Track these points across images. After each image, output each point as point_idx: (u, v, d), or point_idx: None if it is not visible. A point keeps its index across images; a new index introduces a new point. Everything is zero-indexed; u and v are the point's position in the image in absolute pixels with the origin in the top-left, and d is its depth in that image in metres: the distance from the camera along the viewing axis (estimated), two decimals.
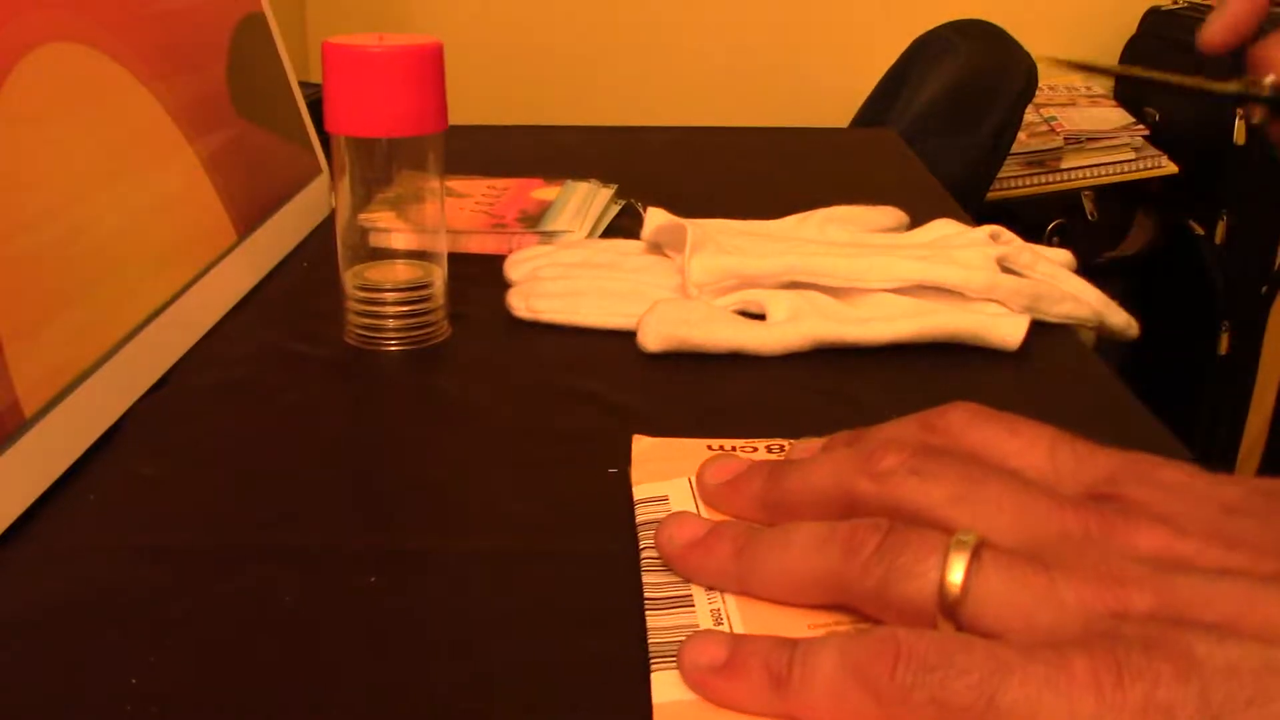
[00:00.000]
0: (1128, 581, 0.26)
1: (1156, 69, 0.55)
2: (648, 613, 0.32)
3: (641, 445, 0.41)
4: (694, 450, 0.40)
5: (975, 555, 0.27)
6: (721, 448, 0.40)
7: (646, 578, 0.33)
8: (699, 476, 0.37)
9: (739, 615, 0.31)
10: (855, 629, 0.28)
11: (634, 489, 0.39)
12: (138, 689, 0.30)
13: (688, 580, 0.32)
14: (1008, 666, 0.24)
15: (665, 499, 0.37)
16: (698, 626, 0.31)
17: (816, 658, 0.27)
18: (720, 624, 0.31)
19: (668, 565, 0.33)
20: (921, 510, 0.30)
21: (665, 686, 0.28)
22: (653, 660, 0.29)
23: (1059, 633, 0.25)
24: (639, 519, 0.37)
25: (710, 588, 0.32)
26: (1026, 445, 0.31)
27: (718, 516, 0.35)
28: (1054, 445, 0.31)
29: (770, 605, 0.31)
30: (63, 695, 0.30)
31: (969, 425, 0.32)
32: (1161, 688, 0.23)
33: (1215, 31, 0.45)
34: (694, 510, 0.36)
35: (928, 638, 0.26)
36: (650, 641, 0.30)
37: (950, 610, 0.27)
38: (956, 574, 0.27)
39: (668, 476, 0.38)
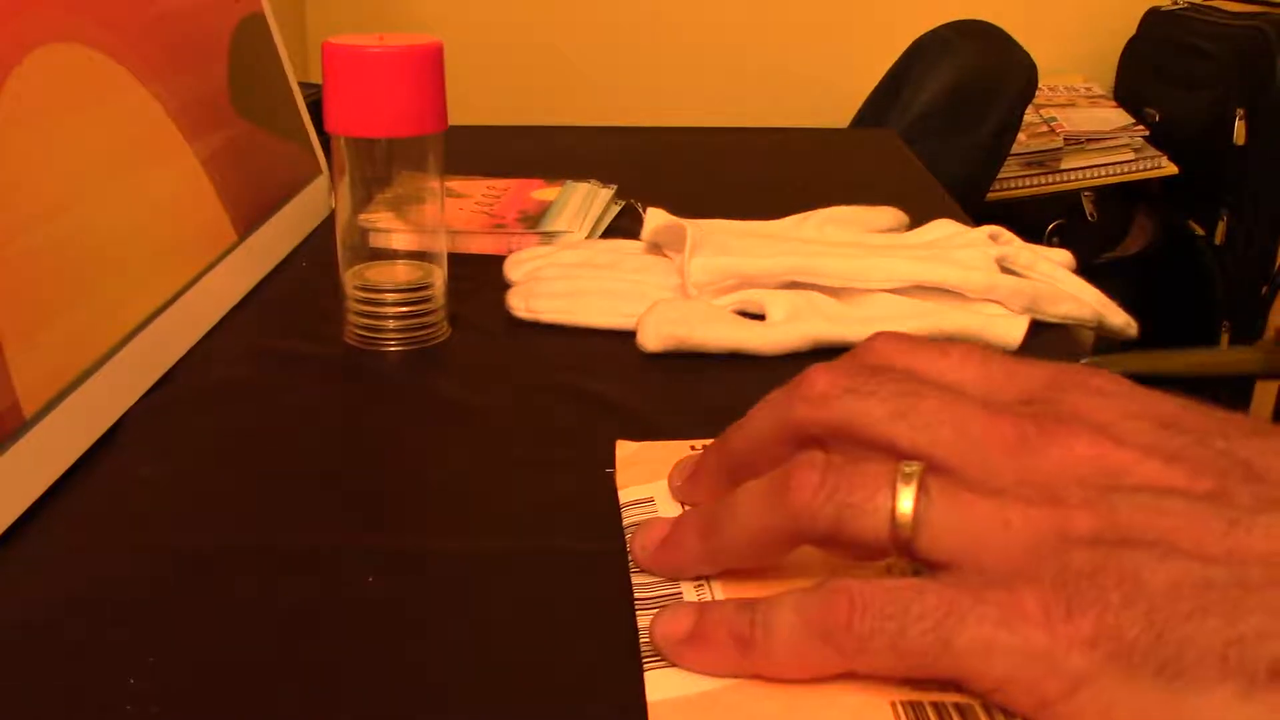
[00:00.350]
0: (1070, 503, 0.26)
1: (1156, 69, 0.55)
2: (638, 613, 0.32)
3: (625, 450, 0.42)
4: (677, 452, 0.40)
5: (922, 486, 0.27)
6: (704, 448, 0.41)
7: (635, 579, 0.33)
8: (670, 480, 0.37)
9: None
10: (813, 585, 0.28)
11: (619, 492, 0.39)
12: (137, 689, 0.30)
13: (673, 579, 0.33)
14: (960, 609, 0.25)
15: (651, 500, 0.37)
16: None
17: (776, 617, 0.27)
18: None
19: (647, 571, 0.33)
20: (862, 428, 0.29)
21: (659, 685, 0.29)
22: (645, 659, 0.30)
23: (1008, 559, 0.26)
24: (625, 521, 0.37)
25: (695, 579, 0.32)
26: (958, 362, 0.31)
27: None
28: (985, 360, 0.31)
29: (760, 595, 0.31)
30: (63, 695, 0.30)
31: (898, 350, 0.32)
32: (1109, 613, 0.24)
33: None
34: (679, 510, 0.36)
35: (880, 587, 0.26)
36: (643, 641, 0.30)
37: (904, 545, 0.27)
38: (905, 506, 0.27)
39: (652, 479, 0.39)
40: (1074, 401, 0.29)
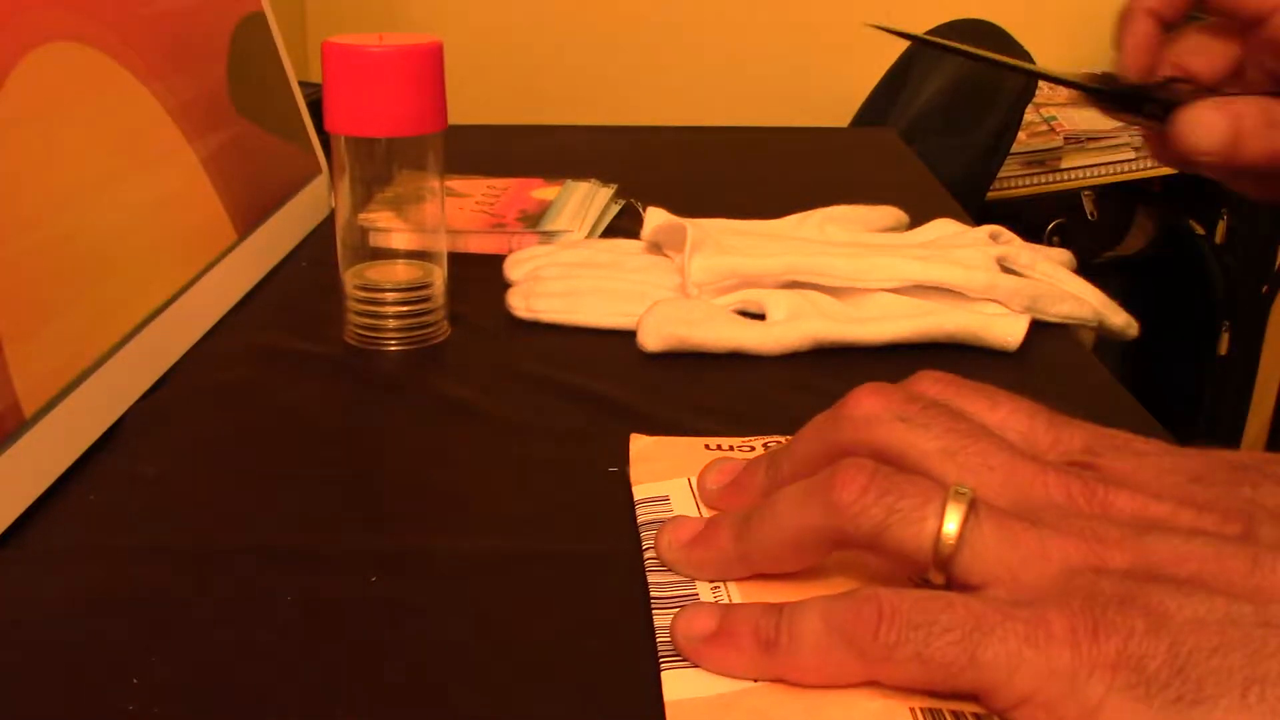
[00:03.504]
0: (1107, 541, 0.26)
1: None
2: (654, 612, 0.32)
3: (639, 444, 0.41)
4: (691, 449, 0.40)
5: (972, 508, 0.27)
6: (719, 446, 0.40)
7: (651, 578, 0.33)
8: (700, 481, 0.37)
9: None
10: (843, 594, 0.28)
11: (634, 489, 0.39)
12: (138, 688, 0.30)
13: (693, 578, 0.32)
14: (988, 624, 0.25)
15: (666, 499, 0.37)
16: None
17: (803, 621, 0.27)
18: None
19: (671, 568, 0.33)
20: (910, 459, 0.30)
21: (676, 684, 0.28)
22: (662, 659, 0.29)
23: (1041, 587, 0.26)
24: (640, 519, 0.37)
25: (716, 579, 0.32)
26: (1006, 415, 0.32)
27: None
28: (1032, 415, 0.32)
29: (777, 598, 0.31)
30: (63, 695, 0.30)
31: (946, 391, 0.33)
32: (1134, 641, 0.24)
33: (1128, 61, 0.45)
34: (695, 510, 0.36)
35: (910, 597, 0.26)
36: (660, 640, 0.30)
37: (944, 561, 0.27)
38: (953, 525, 0.27)
39: (667, 476, 0.38)
40: (1113, 463, 0.30)
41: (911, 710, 0.26)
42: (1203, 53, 0.45)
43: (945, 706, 0.26)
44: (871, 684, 0.27)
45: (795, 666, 0.27)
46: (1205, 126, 0.40)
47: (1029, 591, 0.26)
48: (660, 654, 0.30)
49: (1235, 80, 0.45)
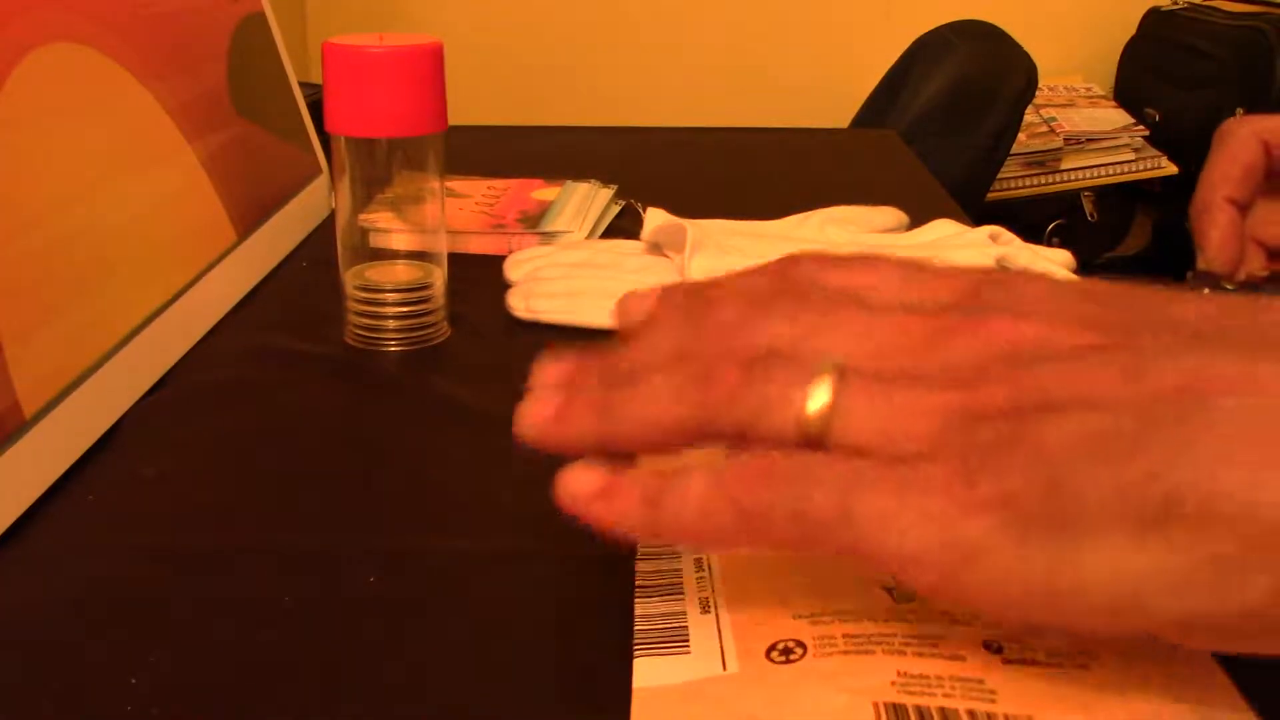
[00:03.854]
0: (984, 381, 0.25)
1: (1156, 69, 0.55)
2: (637, 600, 0.32)
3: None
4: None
5: (840, 378, 0.26)
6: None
7: (640, 565, 0.33)
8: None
9: (725, 602, 0.31)
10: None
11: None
12: (138, 688, 0.30)
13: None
14: (866, 479, 0.25)
15: None
16: (684, 613, 0.31)
17: (690, 481, 0.27)
18: (707, 611, 0.31)
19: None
20: (779, 351, 0.28)
21: (646, 672, 0.29)
22: (636, 646, 0.30)
23: (920, 443, 0.25)
24: None
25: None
26: (880, 279, 0.30)
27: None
28: (916, 269, 0.30)
29: (757, 590, 0.31)
30: (63, 695, 0.30)
31: (820, 270, 0.31)
32: (1009, 477, 0.23)
33: (1216, 255, 0.45)
34: None
35: (795, 457, 0.26)
36: (636, 629, 0.30)
37: (817, 437, 0.26)
38: (821, 399, 0.26)
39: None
40: (991, 296, 0.28)
41: (875, 705, 0.26)
42: (1276, 223, 0.45)
43: (910, 701, 0.26)
44: (837, 675, 0.27)
45: (678, 523, 0.27)
46: None
47: (910, 449, 0.25)
48: (635, 641, 0.30)
49: None
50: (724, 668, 0.28)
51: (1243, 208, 0.44)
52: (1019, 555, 0.23)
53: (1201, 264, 0.43)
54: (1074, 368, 0.25)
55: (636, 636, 0.30)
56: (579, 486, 0.29)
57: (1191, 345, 0.24)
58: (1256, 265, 0.44)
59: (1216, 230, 0.44)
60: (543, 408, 0.31)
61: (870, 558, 0.25)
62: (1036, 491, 0.23)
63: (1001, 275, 0.29)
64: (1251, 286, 0.39)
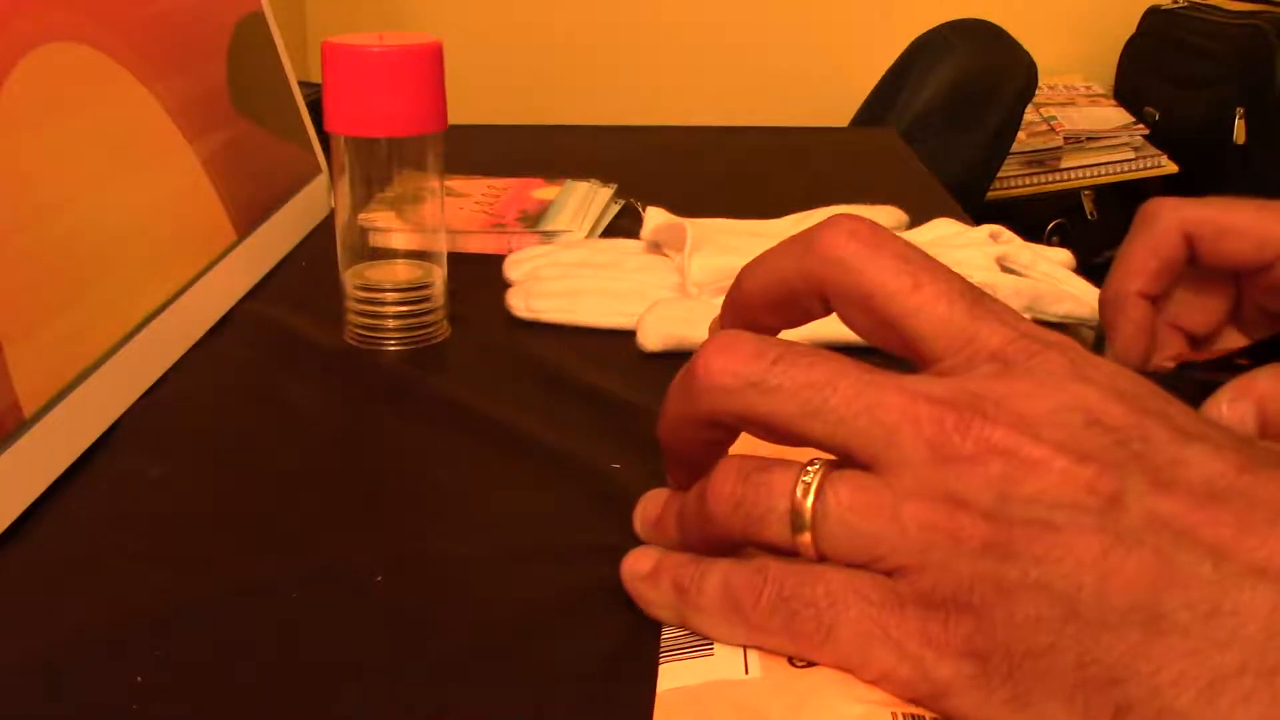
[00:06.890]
0: (969, 508, 0.26)
1: (1156, 68, 0.55)
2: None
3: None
4: None
5: (819, 494, 0.28)
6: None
7: None
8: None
9: None
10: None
11: None
12: (141, 687, 0.30)
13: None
14: (844, 602, 0.27)
15: None
16: None
17: (708, 579, 0.30)
18: None
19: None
20: (774, 427, 0.29)
21: (671, 678, 0.29)
22: (663, 654, 0.30)
23: (899, 555, 0.27)
24: None
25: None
26: (922, 304, 0.30)
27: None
28: (952, 303, 0.30)
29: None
30: (64, 695, 0.30)
31: (861, 255, 0.31)
32: (979, 635, 0.25)
33: (1126, 347, 0.43)
34: None
35: (793, 571, 0.28)
36: (664, 636, 0.31)
37: (806, 549, 0.28)
38: (803, 511, 0.28)
39: None
40: (1011, 383, 0.27)
41: (893, 715, 0.26)
42: (1197, 309, 0.44)
43: (927, 713, 0.26)
44: (857, 684, 0.27)
45: (701, 619, 0.30)
46: (1237, 421, 0.35)
47: (889, 560, 0.27)
48: (662, 648, 0.30)
49: (1231, 324, 0.44)
50: (746, 671, 0.28)
51: (1157, 299, 0.44)
52: (983, 704, 0.25)
53: (1109, 357, 0.41)
54: (1056, 523, 0.25)
55: (663, 644, 0.30)
56: (636, 565, 0.32)
57: (1196, 504, 0.24)
58: (1168, 354, 0.44)
59: (1128, 325, 0.43)
60: (651, 509, 0.35)
61: (855, 674, 0.27)
62: (999, 659, 0.25)
63: (1035, 346, 0.29)
64: (1157, 376, 0.37)
